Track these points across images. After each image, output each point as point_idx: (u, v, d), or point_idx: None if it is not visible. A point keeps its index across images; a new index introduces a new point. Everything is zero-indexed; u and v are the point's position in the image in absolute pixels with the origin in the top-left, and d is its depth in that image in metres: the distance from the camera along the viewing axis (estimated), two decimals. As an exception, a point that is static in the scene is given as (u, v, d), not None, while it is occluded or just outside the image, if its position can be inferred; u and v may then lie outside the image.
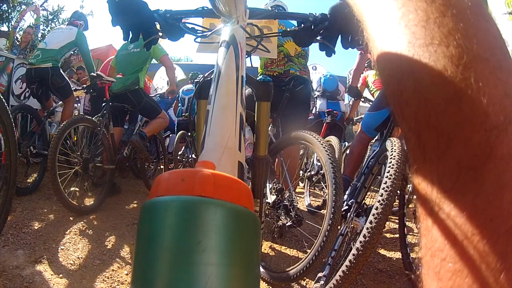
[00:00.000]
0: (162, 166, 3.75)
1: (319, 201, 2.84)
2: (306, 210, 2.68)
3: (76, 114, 3.48)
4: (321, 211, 2.53)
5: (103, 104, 2.63)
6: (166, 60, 2.94)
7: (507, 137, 0.15)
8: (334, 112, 3.57)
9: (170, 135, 4.74)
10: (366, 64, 3.03)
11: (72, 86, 3.12)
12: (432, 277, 0.17)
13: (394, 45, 0.19)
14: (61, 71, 2.92)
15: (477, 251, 0.15)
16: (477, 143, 0.15)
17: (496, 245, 0.14)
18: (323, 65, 7.85)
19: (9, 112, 1.47)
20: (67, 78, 3.00)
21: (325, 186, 2.73)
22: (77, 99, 3.78)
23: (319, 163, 2.78)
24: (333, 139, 2.81)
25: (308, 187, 2.92)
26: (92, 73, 2.73)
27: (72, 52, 3.32)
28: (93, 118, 2.50)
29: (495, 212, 0.15)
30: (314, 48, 0.85)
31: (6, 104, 1.45)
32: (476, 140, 0.15)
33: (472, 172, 0.15)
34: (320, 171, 2.75)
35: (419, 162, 0.18)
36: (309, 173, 2.84)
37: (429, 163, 0.17)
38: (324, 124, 3.58)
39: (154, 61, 3.06)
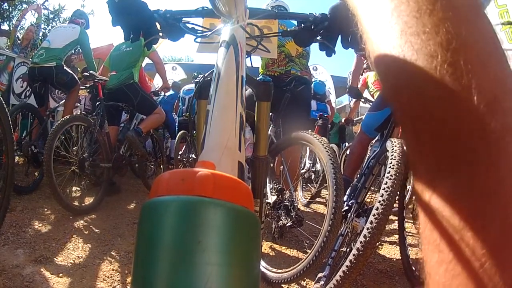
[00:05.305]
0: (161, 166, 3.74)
1: (309, 193, 3.12)
2: (304, 208, 2.72)
3: (79, 113, 3.48)
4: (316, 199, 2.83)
5: (97, 103, 2.63)
6: (155, 56, 3.13)
7: (497, 115, 0.16)
8: (326, 116, 3.93)
9: (170, 140, 4.66)
10: (366, 66, 3.04)
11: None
12: (432, 250, 0.17)
13: (388, 35, 0.19)
14: (65, 67, 2.92)
15: (475, 225, 0.15)
16: (469, 124, 0.16)
17: (493, 222, 0.15)
18: (323, 66, 7.85)
19: (7, 110, 1.47)
20: (71, 72, 3.01)
21: (316, 183, 3.04)
22: (79, 98, 3.78)
23: (310, 161, 3.24)
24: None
25: (300, 184, 3.14)
26: (85, 73, 2.75)
27: (73, 51, 3.32)
28: (88, 117, 2.49)
29: (489, 188, 0.15)
30: (314, 48, 0.85)
31: (4, 102, 1.46)
32: (468, 121, 0.16)
33: (467, 154, 0.16)
34: (312, 169, 3.15)
35: (417, 153, 0.18)
36: (301, 171, 3.02)
37: (426, 149, 0.18)
38: (316, 126, 3.83)
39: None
